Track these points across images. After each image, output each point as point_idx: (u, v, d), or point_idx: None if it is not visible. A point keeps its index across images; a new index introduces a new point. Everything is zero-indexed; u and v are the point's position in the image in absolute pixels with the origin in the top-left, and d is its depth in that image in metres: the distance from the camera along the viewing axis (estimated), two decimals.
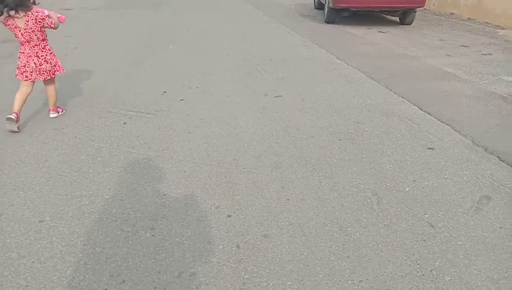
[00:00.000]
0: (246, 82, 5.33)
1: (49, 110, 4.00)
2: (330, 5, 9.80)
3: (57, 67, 3.82)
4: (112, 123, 3.87)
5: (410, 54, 7.03)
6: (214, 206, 2.60)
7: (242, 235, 2.33)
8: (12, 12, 3.32)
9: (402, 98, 4.74)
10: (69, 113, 4.11)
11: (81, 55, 6.47)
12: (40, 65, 3.64)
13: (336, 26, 9.86)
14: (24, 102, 3.73)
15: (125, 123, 3.88)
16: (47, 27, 3.60)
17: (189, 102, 4.53)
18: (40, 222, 2.40)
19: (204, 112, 4.25)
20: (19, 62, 3.63)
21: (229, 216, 2.50)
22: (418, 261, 2.16)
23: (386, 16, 11.02)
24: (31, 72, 3.62)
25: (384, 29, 9.60)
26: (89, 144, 3.44)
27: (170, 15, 11.11)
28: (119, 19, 10.06)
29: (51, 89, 3.91)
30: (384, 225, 2.45)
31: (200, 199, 2.67)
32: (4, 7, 3.28)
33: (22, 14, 3.38)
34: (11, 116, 3.55)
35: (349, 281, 2.02)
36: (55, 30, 3.76)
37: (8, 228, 2.34)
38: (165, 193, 2.74)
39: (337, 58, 6.67)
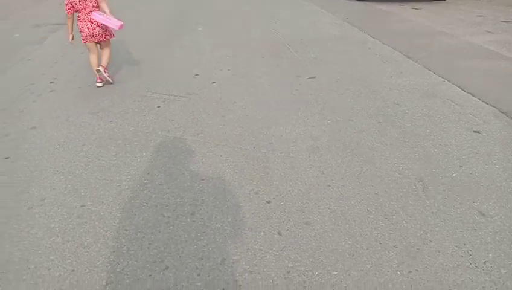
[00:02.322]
0: (277, 63, 5.21)
1: (101, 65, 4.31)
2: None
3: (107, 32, 4.30)
4: (146, 107, 3.85)
5: (448, 31, 6.69)
6: (253, 191, 2.55)
7: (283, 222, 2.27)
8: None
9: (442, 78, 4.52)
10: (103, 97, 4.12)
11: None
12: (93, 29, 4.18)
13: (367, 3, 9.51)
14: (98, 62, 4.33)
15: (159, 107, 3.86)
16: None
17: (221, 85, 4.46)
18: (81, 206, 2.42)
19: (237, 94, 4.18)
20: (79, 28, 4.19)
21: (268, 202, 2.44)
22: (470, 252, 2.05)
23: None
24: (86, 36, 4.19)
25: (418, 5, 9.18)
26: (124, 128, 3.44)
27: None
28: (149, 2, 10.01)
29: (106, 51, 4.38)
30: (432, 213, 2.34)
31: (238, 185, 2.63)
32: None
33: None
34: (99, 84, 4.30)
35: (398, 272, 1.94)
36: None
37: (52, 213, 2.37)
38: (203, 178, 2.71)
39: (371, 36, 6.43)
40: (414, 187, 2.59)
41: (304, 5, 9.59)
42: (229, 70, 4.94)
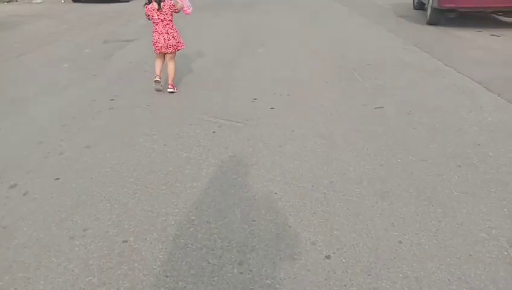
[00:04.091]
0: (342, 89, 4.88)
1: (168, 85, 4.67)
2: (434, 5, 8.84)
3: (180, 43, 4.66)
4: (201, 131, 3.70)
5: None
6: (310, 241, 2.24)
7: (345, 285, 1.93)
8: (159, 4, 4.45)
9: None
10: (160, 118, 4.04)
11: None
12: (168, 40, 4.54)
13: (440, 28, 8.88)
14: (161, 68, 4.69)
15: (214, 132, 3.69)
16: (173, 11, 4.57)
17: (280, 111, 4.22)
18: (123, 242, 2.25)
19: (296, 122, 3.91)
20: (153, 39, 4.60)
21: (327, 257, 2.12)
22: None
23: (499, 17, 9.70)
24: (161, 47, 4.56)
25: (498, 32, 8.40)
26: (177, 153, 3.28)
27: (260, 16, 10.97)
28: (211, 20, 10.16)
29: (171, 65, 4.67)
30: None
31: (293, 231, 2.33)
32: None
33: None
34: (157, 79, 4.62)
35: None
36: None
37: (92, 246, 2.21)
38: (255, 218, 2.45)
39: (445, 64, 5.89)
40: (506, 253, 2.14)
41: (372, 28, 9.18)
42: (288, 95, 4.69)
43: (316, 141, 3.50)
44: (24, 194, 2.70)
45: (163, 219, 2.45)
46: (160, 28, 4.53)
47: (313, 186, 2.79)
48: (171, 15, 4.55)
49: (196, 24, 8.69)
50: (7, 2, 12.89)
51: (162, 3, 4.46)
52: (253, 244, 2.22)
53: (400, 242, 2.22)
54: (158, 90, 4.65)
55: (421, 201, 2.61)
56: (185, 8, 4.63)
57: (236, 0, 14.36)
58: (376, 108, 4.25)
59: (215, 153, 3.29)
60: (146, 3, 4.52)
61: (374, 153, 3.26)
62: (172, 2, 4.56)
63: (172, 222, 2.42)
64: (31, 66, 6.04)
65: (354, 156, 3.22)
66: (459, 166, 3.04)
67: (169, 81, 4.66)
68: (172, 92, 4.67)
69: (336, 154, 3.23)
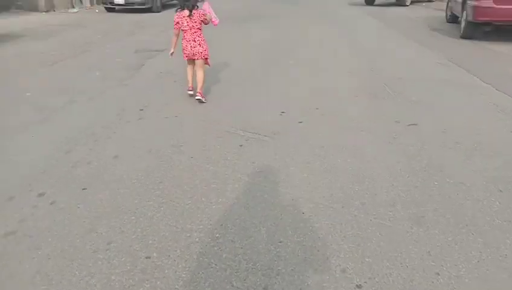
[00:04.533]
0: (373, 104, 4.74)
1: (196, 93, 4.73)
2: (469, 18, 8.57)
3: (207, 51, 4.72)
4: (228, 144, 3.64)
5: None
6: (340, 268, 2.12)
7: None
8: (191, 11, 4.54)
9: None
10: (188, 129, 4.01)
11: None
12: (194, 48, 4.63)
13: (475, 42, 8.59)
14: (192, 75, 4.83)
15: (241, 146, 3.62)
16: (205, 23, 4.68)
17: (309, 125, 4.12)
18: (146, 258, 2.19)
19: (326, 138, 3.80)
20: (182, 47, 4.69)
21: (358, 287, 1.99)
22: None
23: None
24: (188, 53, 4.70)
25: None
26: (204, 167, 3.23)
27: (289, 27, 10.95)
28: (240, 31, 10.20)
29: (200, 73, 4.74)
30: None
31: (321, 255, 2.22)
32: (187, 6, 4.53)
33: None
34: (191, 92, 4.83)
35: None
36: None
37: (115, 261, 2.17)
38: (281, 239, 2.35)
39: (483, 81, 5.66)
40: None
41: (403, 41, 8.99)
42: (317, 109, 4.59)
43: (346, 158, 3.38)
44: (51, 203, 2.70)
45: (188, 235, 2.39)
46: (188, 35, 4.62)
47: (343, 207, 2.67)
48: (200, 24, 4.64)
49: (225, 35, 8.72)
50: (45, 11, 13.39)
51: (193, 11, 4.55)
52: (279, 268, 2.12)
53: (438, 274, 2.07)
54: (194, 91, 4.80)
55: (460, 229, 2.44)
56: (213, 19, 4.72)
57: (266, 12, 14.44)
58: (409, 125, 4.09)
59: (241, 167, 3.22)
60: (178, 9, 4.63)
61: (407, 174, 3.11)
62: (203, 11, 4.66)
63: (197, 239, 2.35)
64: (63, 74, 6.18)
65: (386, 176, 3.08)
66: (501, 191, 2.85)
67: (198, 89, 4.72)
68: (199, 99, 4.69)
69: (368, 173, 3.10)
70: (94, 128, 3.98)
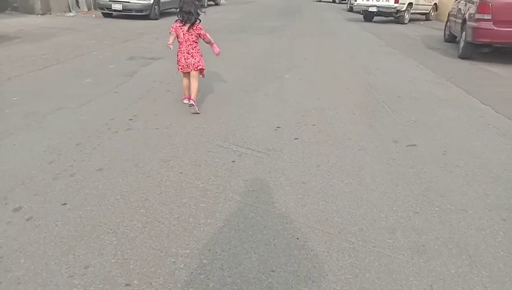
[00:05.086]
0: (371, 123, 4.62)
1: (189, 99, 4.69)
2: (468, 38, 8.55)
3: (200, 62, 4.64)
4: (220, 160, 3.48)
5: None
6: None
7: None
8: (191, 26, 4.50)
9: None
10: (178, 142, 3.84)
11: None
12: (187, 59, 4.58)
13: (473, 62, 8.57)
14: (189, 87, 4.74)
15: (234, 161, 3.47)
16: (201, 37, 4.62)
17: (305, 142, 3.98)
18: (126, 285, 2.01)
19: (322, 156, 3.65)
20: (178, 58, 4.67)
21: None
22: None
23: None
24: (182, 65, 4.64)
25: None
26: (194, 183, 3.06)
27: (286, 41, 10.88)
28: (237, 43, 10.10)
29: (194, 84, 4.66)
30: None
31: (316, 287, 2.05)
32: (189, 20, 4.48)
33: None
34: (187, 102, 4.73)
35: None
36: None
37: (92, 288, 1.98)
38: (273, 267, 2.18)
39: (481, 102, 5.57)
40: None
41: (401, 59, 8.94)
42: (314, 125, 4.45)
43: (343, 179, 3.23)
44: (27, 220, 2.51)
45: (172, 260, 2.21)
46: (183, 47, 4.60)
47: (340, 232, 2.52)
48: (197, 37, 4.60)
49: (220, 46, 8.60)
50: (41, 14, 13.22)
51: (193, 27, 4.52)
52: None
53: None
54: (190, 101, 4.66)
55: (463, 260, 2.30)
56: (215, 46, 4.70)
57: (264, 24, 14.41)
58: (408, 146, 3.96)
59: (233, 185, 3.06)
60: (178, 20, 4.56)
61: (407, 198, 2.97)
62: (201, 26, 4.60)
63: (182, 265, 2.17)
64: (53, 79, 6.00)
65: (385, 200, 2.93)
66: (504, 220, 2.72)
67: (192, 96, 4.68)
68: (192, 104, 4.60)
69: (365, 197, 2.96)
70: (80, 137, 3.80)
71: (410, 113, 4.96)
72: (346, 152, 3.77)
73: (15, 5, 13.19)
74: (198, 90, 4.73)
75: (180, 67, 4.69)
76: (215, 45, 4.72)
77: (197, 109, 4.61)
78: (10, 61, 7.06)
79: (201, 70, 4.71)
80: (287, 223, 2.60)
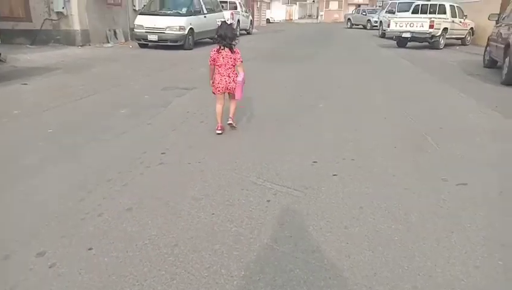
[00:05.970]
0: (414, 158, 4.30)
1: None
2: None
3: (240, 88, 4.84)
4: (254, 199, 3.27)
5: None
6: None
7: None
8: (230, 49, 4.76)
9: None
10: (211, 179, 3.66)
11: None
12: (229, 83, 4.80)
13: None
14: (222, 112, 4.90)
15: (268, 201, 3.24)
16: (236, 61, 4.78)
17: (344, 179, 3.71)
18: None
19: (364, 196, 3.37)
20: (215, 81, 4.83)
21: None
22: None
23: None
24: (222, 87, 4.81)
25: None
26: (226, 226, 2.85)
27: (319, 69, 10.73)
28: (270, 72, 10.04)
29: (233, 105, 5.02)
30: None
31: None
32: (228, 44, 4.72)
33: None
34: (220, 132, 4.89)
35: None
36: None
37: None
38: None
39: None
40: None
41: (441, 87, 8.56)
42: (353, 160, 4.19)
43: (389, 223, 2.93)
44: (50, 267, 2.36)
45: None
46: (222, 70, 4.78)
47: None
48: (234, 61, 4.77)
49: (254, 75, 8.54)
50: (81, 46, 13.76)
51: (234, 49, 4.75)
52: None
53: None
54: (223, 131, 4.90)
55: None
56: (238, 87, 4.77)
57: (297, 52, 14.39)
58: (458, 184, 3.62)
59: (268, 229, 2.83)
60: (215, 49, 4.77)
61: (463, 247, 2.64)
62: (240, 56, 4.81)
63: None
64: (89, 110, 6.05)
65: (439, 250, 2.61)
66: None
67: (230, 115, 4.98)
68: (231, 124, 4.98)
69: (417, 246, 2.64)
70: (111, 173, 3.69)
71: (457, 147, 4.61)
72: (391, 192, 3.47)
73: (58, 37, 13.80)
74: (236, 109, 5.08)
75: (218, 89, 4.83)
76: (242, 73, 4.80)
77: (234, 124, 5.02)
78: (49, 92, 7.24)
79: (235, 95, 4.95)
80: (330, 278, 2.32)
